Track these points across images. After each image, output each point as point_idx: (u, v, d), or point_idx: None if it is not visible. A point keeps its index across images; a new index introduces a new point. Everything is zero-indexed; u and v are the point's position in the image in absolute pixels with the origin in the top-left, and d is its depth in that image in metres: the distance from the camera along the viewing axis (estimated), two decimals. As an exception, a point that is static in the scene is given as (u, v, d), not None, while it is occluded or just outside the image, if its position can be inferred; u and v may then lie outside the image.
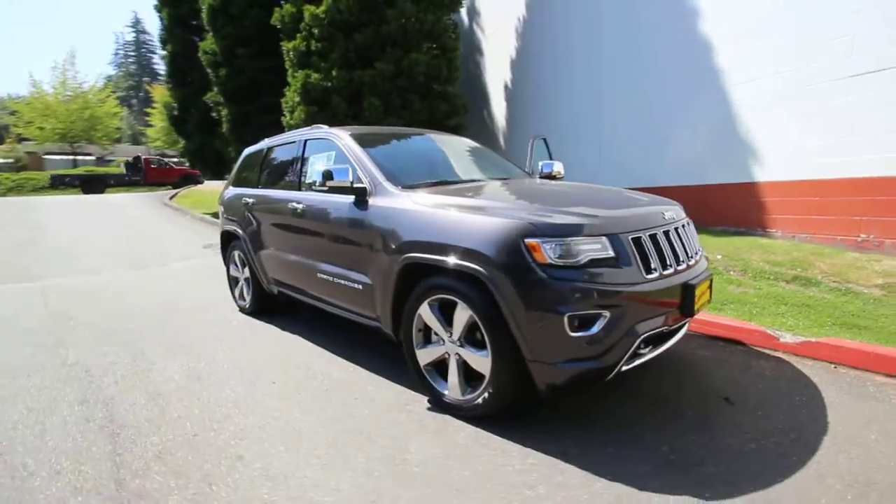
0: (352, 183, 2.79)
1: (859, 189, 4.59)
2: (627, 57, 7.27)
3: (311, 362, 3.15)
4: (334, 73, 8.64)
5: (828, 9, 4.68)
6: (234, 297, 4.60)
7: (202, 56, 12.06)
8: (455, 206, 2.36)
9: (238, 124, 11.89)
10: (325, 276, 3.09)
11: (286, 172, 3.73)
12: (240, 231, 4.15)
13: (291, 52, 9.12)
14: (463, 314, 2.22)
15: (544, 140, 5.38)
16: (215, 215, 14.02)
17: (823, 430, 2.11)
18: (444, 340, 2.37)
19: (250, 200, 4.02)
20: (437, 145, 3.74)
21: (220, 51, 11.45)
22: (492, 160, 3.76)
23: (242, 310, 4.40)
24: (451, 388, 2.35)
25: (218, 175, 15.18)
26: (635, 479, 1.81)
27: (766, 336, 3.01)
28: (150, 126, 37.75)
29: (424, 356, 2.47)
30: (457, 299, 2.23)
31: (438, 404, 2.43)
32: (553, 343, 1.97)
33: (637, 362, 2.14)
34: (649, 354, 2.20)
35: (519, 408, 2.33)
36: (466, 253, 2.14)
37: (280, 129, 11.32)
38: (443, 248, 2.25)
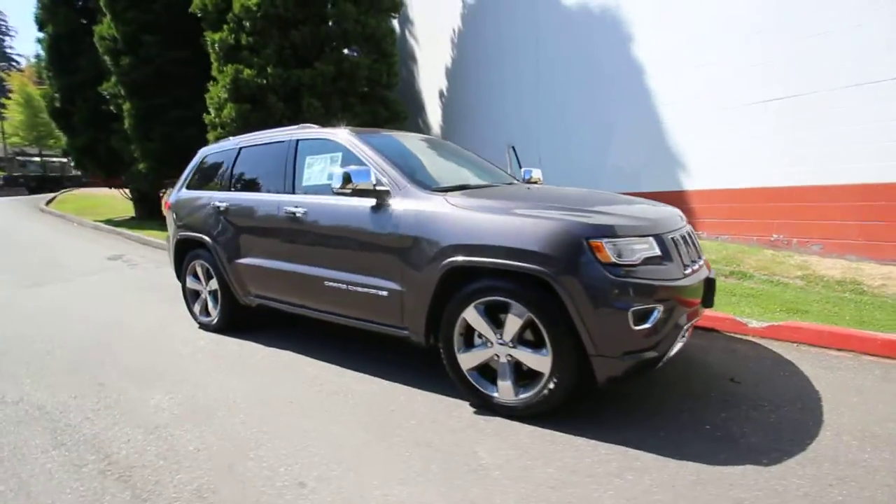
0: (374, 185, 2.67)
1: (770, 197, 5.45)
2: (565, 73, 7.82)
3: (319, 377, 2.93)
4: (270, 70, 8.12)
5: (743, 41, 5.49)
6: (192, 313, 4.10)
7: (99, 42, 10.57)
8: (501, 209, 2.37)
9: (144, 120, 10.59)
10: (335, 285, 2.90)
11: (272, 174, 3.42)
12: (206, 239, 3.72)
13: (217, 45, 8.39)
14: (517, 315, 2.25)
15: (513, 148, 5.63)
16: (113, 223, 12.29)
17: (817, 397, 2.49)
18: (491, 343, 2.37)
19: (222, 205, 3.63)
20: (434, 148, 3.72)
21: (121, 37, 10.11)
22: (483, 165, 3.82)
23: (206, 326, 3.95)
24: (503, 390, 2.35)
25: (112, 175, 13.29)
26: (700, 456, 1.98)
27: (736, 323, 3.45)
28: (3, 119, 31.91)
29: (468, 360, 2.44)
30: (510, 300, 2.25)
31: (487, 407, 2.41)
32: (617, 337, 2.08)
33: (674, 352, 2.34)
34: (680, 344, 2.41)
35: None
36: (527, 254, 2.17)
37: (199, 126, 10.31)
38: (496, 251, 2.25)
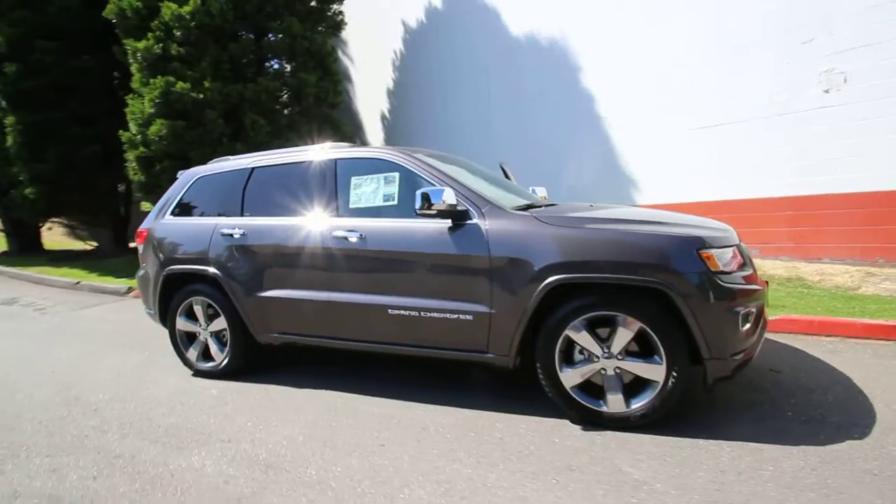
0: (455, 206, 2.58)
1: (711, 209, 6.25)
2: (517, 101, 8.22)
3: (386, 414, 2.68)
4: (207, 83, 7.41)
5: (682, 75, 6.29)
6: (185, 359, 3.52)
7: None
8: (598, 226, 2.44)
9: (34, 137, 8.95)
10: (404, 313, 2.70)
11: (303, 197, 3.11)
12: (212, 271, 3.24)
13: (140, 55, 7.47)
14: (626, 327, 2.30)
15: (502, 166, 5.71)
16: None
17: (846, 378, 2.87)
18: (596, 357, 2.39)
19: (235, 232, 3.20)
20: (461, 165, 3.67)
21: (6, 40, 8.49)
22: (506, 182, 3.86)
23: (208, 373, 3.41)
24: (613, 403, 2.36)
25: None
26: (807, 439, 2.14)
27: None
28: None
29: (572, 378, 2.41)
30: (618, 313, 2.30)
31: (594, 422, 2.40)
32: (728, 339, 2.22)
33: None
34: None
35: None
36: (641, 267, 2.24)
37: (106, 144, 8.98)
38: (605, 266, 2.29)
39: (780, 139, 5.52)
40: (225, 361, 3.33)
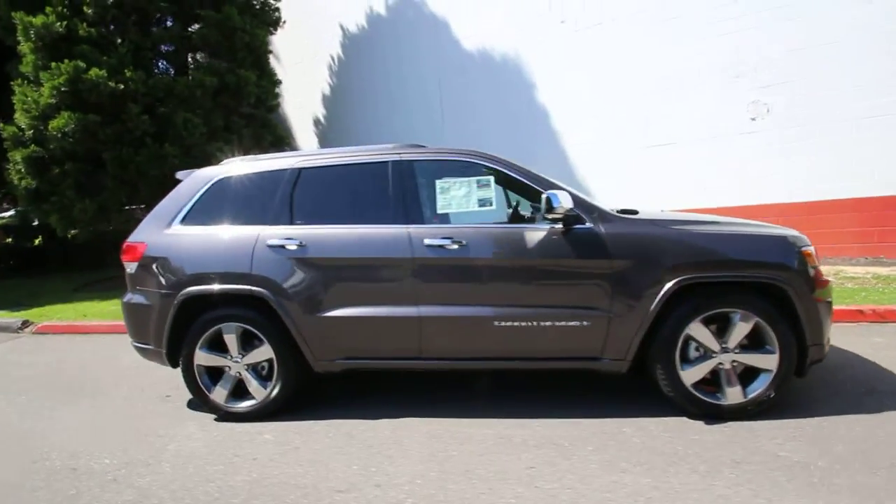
0: (572, 209, 2.52)
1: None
2: (469, 112, 8.35)
3: (506, 435, 2.44)
4: (129, 72, 6.27)
5: (632, 97, 6.96)
6: (209, 401, 2.87)
7: None
8: (709, 228, 2.57)
9: None
10: (513, 324, 2.54)
11: (372, 202, 2.77)
12: (262, 292, 2.71)
13: (34, 32, 6.05)
14: (745, 322, 2.45)
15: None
16: None
17: (872, 355, 3.29)
18: (714, 352, 2.50)
19: (292, 244, 2.72)
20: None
21: None
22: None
23: (244, 415, 2.82)
24: (731, 394, 2.46)
25: None
26: (874, 405, 2.54)
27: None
28: None
29: (692, 375, 2.48)
30: (736, 310, 2.44)
31: (712, 415, 2.47)
32: (822, 326, 2.48)
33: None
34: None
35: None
36: (760, 265, 2.42)
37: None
38: (727, 265, 2.44)
39: (716, 158, 6.41)
40: (272, 397, 2.79)
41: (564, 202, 2.44)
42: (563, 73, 7.47)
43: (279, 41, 10.58)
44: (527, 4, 7.61)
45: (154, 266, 2.89)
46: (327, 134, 10.33)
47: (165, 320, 2.82)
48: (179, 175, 3.15)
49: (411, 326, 2.63)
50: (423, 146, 2.98)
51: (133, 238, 3.00)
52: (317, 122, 10.47)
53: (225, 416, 2.86)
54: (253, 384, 2.82)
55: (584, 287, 2.52)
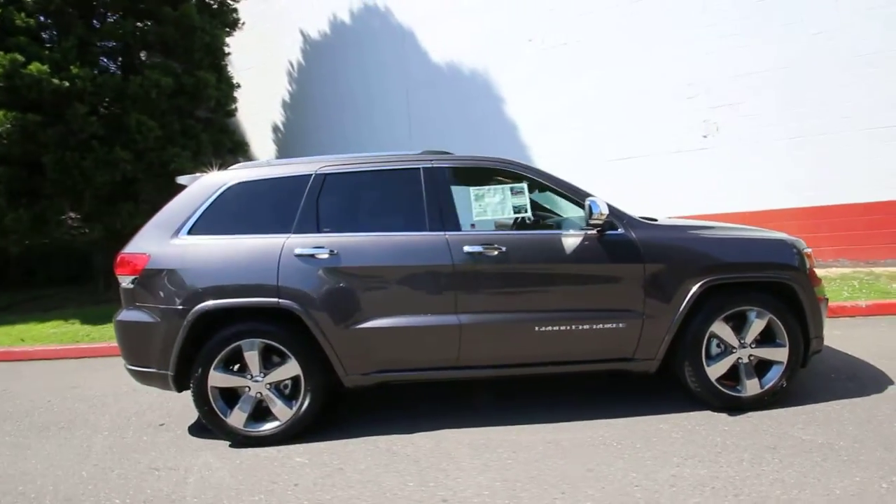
0: (609, 216, 2.62)
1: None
2: (439, 123, 8.40)
3: (554, 440, 2.45)
4: (75, 69, 5.68)
5: (600, 113, 7.34)
6: (223, 426, 2.63)
7: None
8: (728, 233, 2.78)
9: None
10: (554, 328, 2.59)
11: (408, 209, 2.71)
12: (290, 304, 2.54)
13: (-42, 17, 5.32)
14: (760, 319, 2.66)
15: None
16: None
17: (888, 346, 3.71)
18: (733, 348, 2.69)
19: (322, 252, 2.58)
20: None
21: None
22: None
23: (265, 439, 2.61)
24: (750, 387, 2.64)
25: None
26: (861, 389, 2.83)
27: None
28: None
29: (717, 370, 2.64)
30: (753, 307, 2.65)
31: (733, 407, 2.65)
32: (822, 320, 2.76)
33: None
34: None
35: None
36: (772, 266, 2.65)
37: None
38: (744, 267, 2.64)
39: (676, 171, 6.94)
40: (299, 417, 2.61)
41: (603, 209, 2.54)
42: (531, 88, 7.75)
43: (232, 44, 10.08)
44: (495, 22, 7.84)
45: (159, 279, 2.62)
46: (287, 140, 9.94)
47: (174, 339, 2.56)
48: (182, 180, 2.90)
49: (451, 335, 2.59)
50: (449, 153, 2.97)
51: (132, 249, 2.71)
52: (275, 129, 10.05)
53: (244, 441, 2.63)
54: (277, 404, 2.62)
55: (620, 290, 2.62)
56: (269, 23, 9.57)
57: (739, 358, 2.68)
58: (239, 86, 8.16)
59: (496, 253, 2.60)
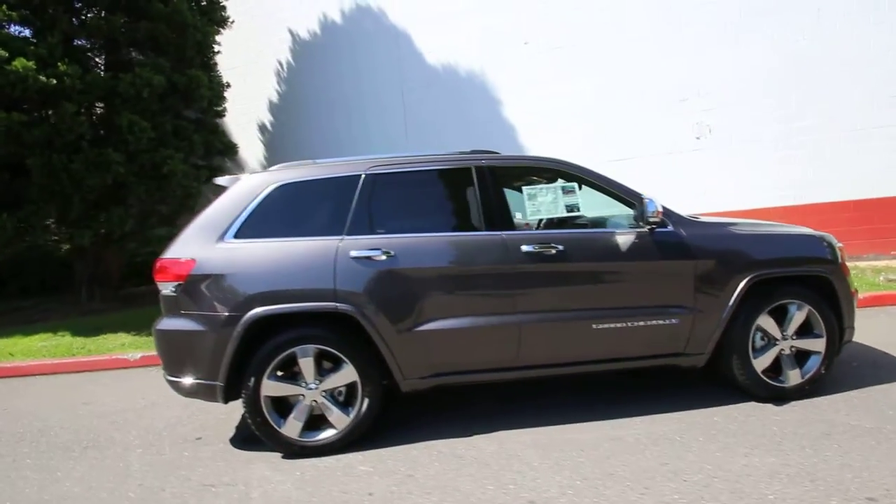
0: (662, 214, 2.67)
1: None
2: (436, 125, 8.39)
3: (616, 437, 2.47)
4: (63, 66, 5.37)
5: (599, 114, 7.49)
6: (277, 436, 2.53)
7: None
8: (765, 229, 2.89)
9: None
10: (610, 325, 2.62)
11: (462, 209, 2.69)
12: (347, 308, 2.47)
13: (-67, 9, 4.94)
14: (801, 311, 2.78)
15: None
16: None
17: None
18: (776, 340, 2.79)
19: (379, 255, 2.52)
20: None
21: None
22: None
23: (320, 449, 2.53)
24: (792, 377, 2.75)
25: None
26: (886, 375, 2.98)
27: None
28: None
29: (762, 362, 2.73)
30: (794, 301, 2.76)
31: (776, 397, 2.74)
32: (853, 311, 2.92)
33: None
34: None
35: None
36: (813, 260, 2.77)
37: None
38: (788, 262, 2.75)
39: (673, 172, 7.16)
40: (358, 422, 2.53)
41: (659, 207, 2.59)
42: (528, 90, 7.84)
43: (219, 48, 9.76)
44: (491, 25, 7.89)
45: (206, 285, 2.51)
46: (275, 141, 9.70)
47: (224, 348, 2.45)
48: (222, 181, 2.79)
49: (511, 335, 2.59)
50: (496, 152, 2.96)
51: (174, 254, 2.57)
52: (263, 130, 9.79)
53: (299, 451, 2.54)
54: (334, 412, 2.54)
55: (673, 286, 2.68)
56: (257, 21, 9.31)
57: (782, 349, 2.79)
58: (229, 85, 7.90)
59: (553, 252, 2.61)
